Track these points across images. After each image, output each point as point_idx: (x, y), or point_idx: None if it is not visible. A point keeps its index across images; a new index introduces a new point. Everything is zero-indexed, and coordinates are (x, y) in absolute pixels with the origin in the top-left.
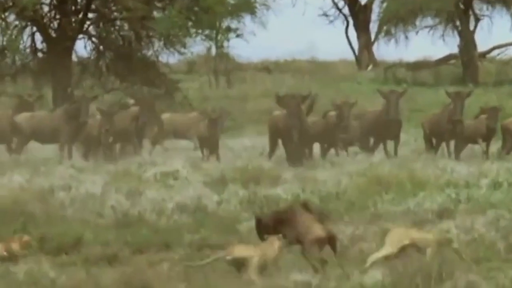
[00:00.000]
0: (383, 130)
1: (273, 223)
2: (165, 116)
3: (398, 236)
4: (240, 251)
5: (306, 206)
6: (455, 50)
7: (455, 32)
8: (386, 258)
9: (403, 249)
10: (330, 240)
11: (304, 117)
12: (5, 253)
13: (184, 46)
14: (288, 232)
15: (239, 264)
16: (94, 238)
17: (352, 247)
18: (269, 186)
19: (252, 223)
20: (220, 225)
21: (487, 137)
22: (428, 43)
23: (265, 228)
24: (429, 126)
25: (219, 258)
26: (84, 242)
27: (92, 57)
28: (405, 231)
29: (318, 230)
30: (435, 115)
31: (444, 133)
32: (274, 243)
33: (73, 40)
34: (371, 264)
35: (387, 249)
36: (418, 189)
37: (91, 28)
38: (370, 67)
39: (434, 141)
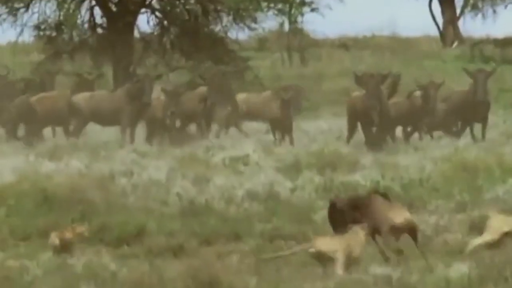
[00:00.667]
0: (470, 112)
1: (349, 209)
2: (241, 96)
3: (498, 222)
4: (325, 244)
5: (385, 195)
6: None
7: None
8: (487, 245)
9: (503, 237)
10: (410, 230)
11: (384, 98)
12: (57, 243)
13: (254, 21)
14: (365, 220)
15: (323, 258)
16: (158, 228)
17: (436, 238)
18: (347, 172)
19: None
20: (294, 214)
21: None
22: None
23: (340, 214)
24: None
25: (302, 250)
26: (147, 232)
27: (155, 33)
28: (505, 218)
29: (395, 218)
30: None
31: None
32: (359, 234)
33: (135, 14)
34: (470, 251)
35: (488, 236)
36: (507, 175)
37: (154, 1)
38: (455, 44)
39: None
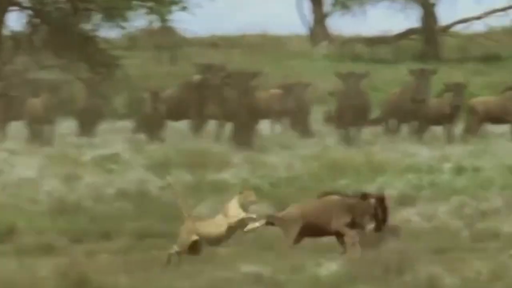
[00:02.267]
0: (346, 115)
1: None
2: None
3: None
4: None
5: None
6: (416, 24)
7: (417, 5)
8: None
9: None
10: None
11: (251, 95)
12: None
13: (125, 19)
14: None
15: None
16: (27, 227)
17: None
18: (217, 171)
19: (198, 210)
20: (164, 212)
21: (451, 117)
22: (388, 16)
23: None
24: (388, 106)
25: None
26: (16, 231)
27: (25, 31)
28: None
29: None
30: (394, 94)
31: (406, 114)
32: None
33: (3, 11)
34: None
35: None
36: (376, 174)
37: None
38: (324, 43)
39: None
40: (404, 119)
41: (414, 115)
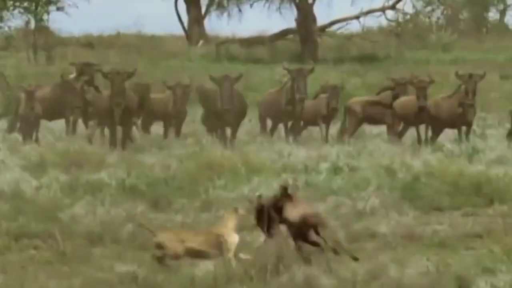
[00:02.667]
0: (219, 119)
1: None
2: None
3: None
4: None
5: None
6: (292, 24)
7: (293, 5)
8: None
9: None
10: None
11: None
12: None
13: (0, 19)
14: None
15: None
16: None
17: None
18: (93, 171)
19: (74, 210)
20: (39, 212)
21: (328, 118)
22: (264, 16)
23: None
24: (265, 106)
25: None
26: None
27: None
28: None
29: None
30: (271, 93)
31: (282, 114)
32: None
33: None
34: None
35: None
36: (252, 174)
37: None
38: (201, 43)
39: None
40: (280, 119)
41: (290, 115)
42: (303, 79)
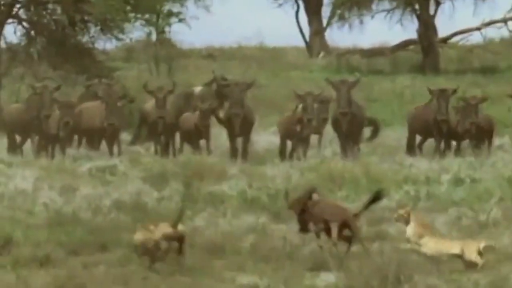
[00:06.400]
0: (336, 125)
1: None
2: None
3: None
4: None
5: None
6: (413, 35)
7: (414, 17)
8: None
9: None
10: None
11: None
12: None
13: (122, 31)
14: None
15: None
16: (24, 239)
17: (303, 247)
18: (214, 182)
19: (195, 222)
20: None
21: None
22: (385, 28)
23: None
24: (415, 122)
25: None
26: (13, 243)
27: (22, 43)
28: None
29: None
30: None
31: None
32: None
33: (1, 24)
34: None
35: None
36: (374, 185)
37: (21, 11)
38: (321, 54)
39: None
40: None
41: (439, 133)
42: (445, 100)
